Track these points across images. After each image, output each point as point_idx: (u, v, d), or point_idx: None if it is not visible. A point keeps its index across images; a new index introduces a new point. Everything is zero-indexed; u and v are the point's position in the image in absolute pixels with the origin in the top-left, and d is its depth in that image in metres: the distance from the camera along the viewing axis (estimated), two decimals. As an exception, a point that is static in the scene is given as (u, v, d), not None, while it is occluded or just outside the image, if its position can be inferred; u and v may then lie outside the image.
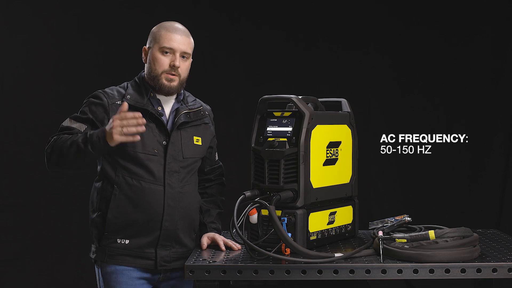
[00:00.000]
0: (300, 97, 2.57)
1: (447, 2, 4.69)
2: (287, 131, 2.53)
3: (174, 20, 2.85)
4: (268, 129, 2.58)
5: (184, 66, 2.77)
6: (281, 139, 2.52)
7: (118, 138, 2.48)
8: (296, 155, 2.49)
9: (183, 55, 2.76)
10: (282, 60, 4.69)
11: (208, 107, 3.00)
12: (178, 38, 2.74)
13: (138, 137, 2.52)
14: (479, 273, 2.31)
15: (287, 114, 2.58)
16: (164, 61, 2.73)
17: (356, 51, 4.70)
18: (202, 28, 4.62)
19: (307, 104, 2.60)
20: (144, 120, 2.49)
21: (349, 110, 2.82)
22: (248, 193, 2.50)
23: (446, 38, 4.69)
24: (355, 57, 4.71)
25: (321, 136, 2.58)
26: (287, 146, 2.50)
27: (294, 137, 2.50)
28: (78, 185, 4.30)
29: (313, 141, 2.53)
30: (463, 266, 2.31)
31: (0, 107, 4.58)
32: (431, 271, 2.31)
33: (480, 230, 3.01)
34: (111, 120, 2.51)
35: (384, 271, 2.32)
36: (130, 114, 2.47)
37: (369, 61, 4.71)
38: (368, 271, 2.32)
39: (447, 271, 2.30)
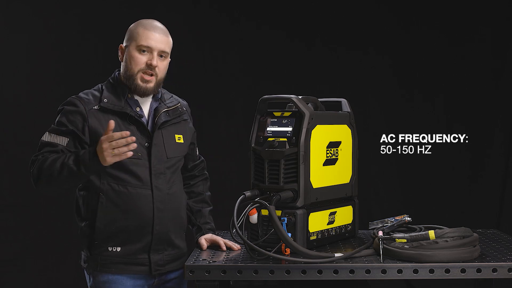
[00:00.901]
0: (300, 97, 2.56)
1: (447, 2, 4.70)
2: (287, 131, 2.53)
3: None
4: (268, 129, 2.58)
5: (162, 66, 2.68)
6: (281, 139, 2.52)
7: (110, 160, 2.44)
8: (296, 155, 2.49)
9: (161, 54, 2.67)
10: (282, 60, 4.69)
11: (185, 102, 2.92)
12: (156, 37, 2.66)
13: (131, 153, 2.45)
14: (479, 273, 2.31)
15: (287, 114, 2.57)
16: (141, 59, 2.65)
17: (356, 51, 4.70)
18: (202, 28, 4.62)
19: (307, 104, 2.60)
20: (133, 138, 2.43)
21: (349, 110, 2.82)
22: (248, 193, 2.49)
23: (446, 38, 4.69)
24: (355, 57, 4.71)
25: (321, 136, 2.58)
26: (287, 146, 2.50)
27: (294, 137, 2.50)
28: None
29: (313, 141, 2.53)
30: (463, 266, 2.31)
31: (0, 107, 4.58)
32: (431, 271, 2.31)
33: (480, 230, 3.01)
34: (100, 141, 2.44)
35: (384, 271, 2.32)
36: (118, 134, 2.41)
37: (369, 61, 4.71)
38: (368, 271, 2.32)
39: (447, 271, 2.30)
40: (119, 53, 2.74)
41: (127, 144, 2.42)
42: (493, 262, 2.34)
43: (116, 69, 2.80)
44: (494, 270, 2.31)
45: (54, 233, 4.57)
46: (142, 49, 2.65)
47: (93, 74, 4.51)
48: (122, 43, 2.74)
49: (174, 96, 2.87)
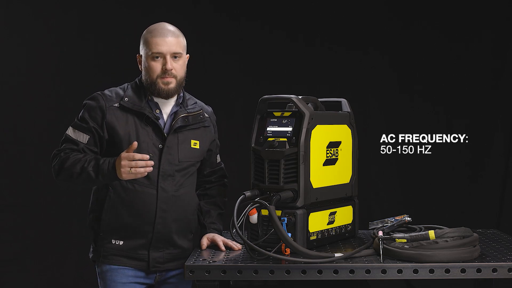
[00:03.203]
0: (300, 97, 2.56)
1: (448, 2, 4.70)
2: (287, 131, 2.53)
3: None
4: (268, 129, 2.58)
5: (177, 66, 2.76)
6: (281, 139, 2.52)
7: (126, 176, 2.56)
8: (296, 155, 2.49)
9: (175, 56, 2.74)
10: (282, 60, 4.69)
11: (209, 109, 3.00)
12: (165, 41, 2.72)
13: (146, 174, 2.57)
14: (479, 273, 2.31)
15: (287, 114, 2.57)
16: (156, 66, 2.73)
17: (356, 51, 4.70)
18: (202, 28, 4.62)
19: (307, 104, 2.59)
20: (152, 162, 2.56)
21: (349, 110, 2.82)
22: (248, 193, 2.49)
23: (446, 38, 4.69)
24: (355, 57, 4.71)
25: (321, 136, 2.58)
26: (287, 146, 2.50)
27: (294, 137, 2.50)
28: (78, 185, 4.30)
29: (313, 141, 2.53)
30: (463, 266, 2.31)
31: (0, 107, 4.58)
32: (431, 271, 2.31)
33: (480, 230, 3.01)
34: (120, 157, 2.55)
35: (384, 271, 2.31)
36: (138, 155, 2.53)
37: (369, 61, 4.71)
38: (368, 271, 2.32)
39: (447, 271, 2.30)
40: (138, 63, 2.83)
41: (145, 166, 2.54)
42: (493, 262, 2.34)
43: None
44: (494, 270, 2.31)
45: (54, 233, 4.58)
46: (155, 56, 2.73)
47: (92, 74, 4.54)
48: (138, 53, 2.82)
49: (198, 102, 2.94)
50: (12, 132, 4.58)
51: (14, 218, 4.58)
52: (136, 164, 2.53)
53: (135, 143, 2.55)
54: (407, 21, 4.71)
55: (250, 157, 2.61)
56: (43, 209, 4.58)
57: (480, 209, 4.65)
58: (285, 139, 2.51)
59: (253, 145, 2.60)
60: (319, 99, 2.73)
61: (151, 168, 2.56)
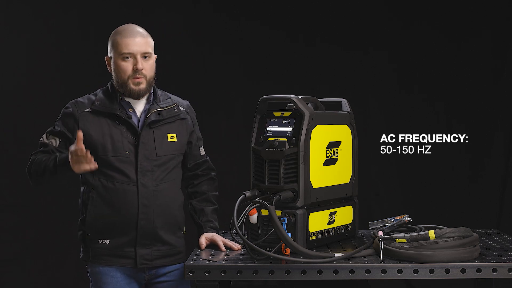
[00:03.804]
0: (300, 97, 2.57)
1: (447, 2, 4.70)
2: (287, 131, 2.53)
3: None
4: (268, 129, 2.58)
5: (148, 66, 2.79)
6: (281, 139, 2.52)
7: (77, 169, 2.62)
8: (296, 155, 2.49)
9: (144, 56, 2.78)
10: (282, 60, 4.69)
11: (185, 102, 3.00)
12: (135, 41, 2.76)
13: (95, 166, 2.61)
14: (479, 273, 2.31)
15: (287, 114, 2.57)
16: (127, 67, 2.76)
17: (356, 51, 4.70)
18: (202, 28, 4.62)
19: (307, 104, 2.60)
20: (92, 159, 2.58)
21: (349, 110, 2.82)
22: (248, 193, 2.49)
23: (446, 38, 4.69)
24: (355, 57, 4.71)
25: (321, 136, 2.58)
26: (287, 146, 2.50)
27: (294, 137, 2.50)
28: (78, 185, 4.29)
29: (313, 141, 2.53)
30: (463, 266, 2.31)
31: (0, 107, 4.58)
32: (431, 271, 2.31)
33: (480, 230, 3.01)
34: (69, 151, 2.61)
35: (384, 271, 2.32)
36: (73, 150, 2.56)
37: (369, 61, 4.71)
38: (368, 271, 2.32)
39: (447, 271, 2.30)
40: (107, 64, 2.86)
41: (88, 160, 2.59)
42: (493, 262, 2.35)
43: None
44: (494, 270, 2.31)
45: (54, 233, 4.58)
46: (125, 57, 2.77)
47: (93, 74, 4.52)
48: (107, 55, 2.85)
49: (172, 97, 2.95)
50: (12, 132, 4.58)
51: (14, 218, 4.58)
52: (78, 158, 2.57)
53: (80, 133, 2.56)
54: (407, 21, 4.70)
55: (250, 157, 2.61)
56: (43, 209, 4.58)
57: (480, 209, 4.65)
58: (285, 139, 2.51)
59: (253, 145, 2.60)
60: (319, 99, 2.73)
61: (95, 164, 2.59)
